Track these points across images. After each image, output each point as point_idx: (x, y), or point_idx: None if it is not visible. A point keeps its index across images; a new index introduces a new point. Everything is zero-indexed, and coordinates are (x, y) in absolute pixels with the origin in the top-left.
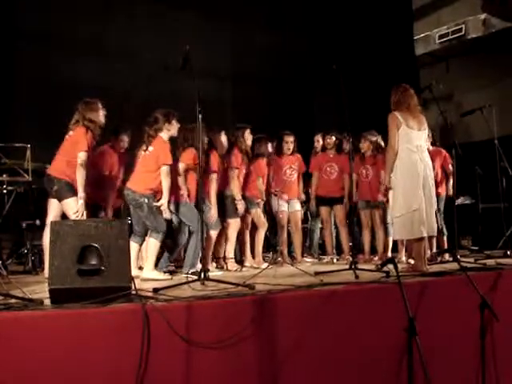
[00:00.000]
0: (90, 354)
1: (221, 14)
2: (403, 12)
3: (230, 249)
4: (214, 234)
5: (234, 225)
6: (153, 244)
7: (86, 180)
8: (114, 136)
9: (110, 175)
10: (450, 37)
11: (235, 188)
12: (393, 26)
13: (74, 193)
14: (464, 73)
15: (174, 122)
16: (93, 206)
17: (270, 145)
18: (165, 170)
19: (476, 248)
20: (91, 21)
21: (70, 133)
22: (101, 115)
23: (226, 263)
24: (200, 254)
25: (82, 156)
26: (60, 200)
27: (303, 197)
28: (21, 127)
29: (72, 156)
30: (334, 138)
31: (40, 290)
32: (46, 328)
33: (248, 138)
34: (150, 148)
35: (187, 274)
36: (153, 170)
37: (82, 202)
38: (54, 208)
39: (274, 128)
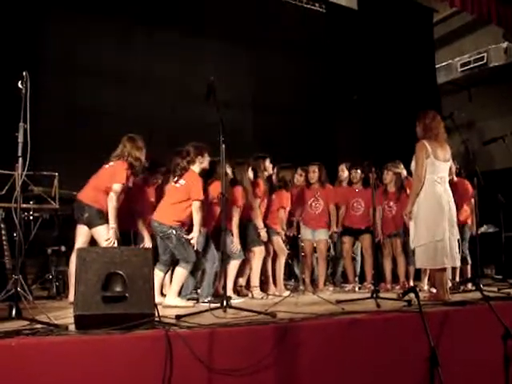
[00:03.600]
0: (113, 380)
1: (242, 43)
2: (425, 41)
3: (254, 277)
4: (235, 263)
5: (258, 253)
6: (180, 273)
7: (117, 211)
8: (149, 171)
9: (141, 208)
10: (472, 65)
11: (258, 217)
12: (414, 55)
13: (105, 220)
14: (486, 101)
15: (206, 155)
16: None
17: (294, 173)
18: (197, 204)
19: (499, 277)
20: (115, 50)
21: (110, 163)
22: (144, 153)
23: (252, 291)
24: (217, 283)
25: (116, 188)
26: (90, 227)
27: (335, 229)
28: (46, 154)
29: (107, 185)
30: (359, 172)
31: (64, 316)
32: (70, 353)
33: (268, 167)
34: (182, 181)
35: (208, 302)
36: (182, 202)
37: (112, 232)
38: (82, 234)
39: (296, 157)
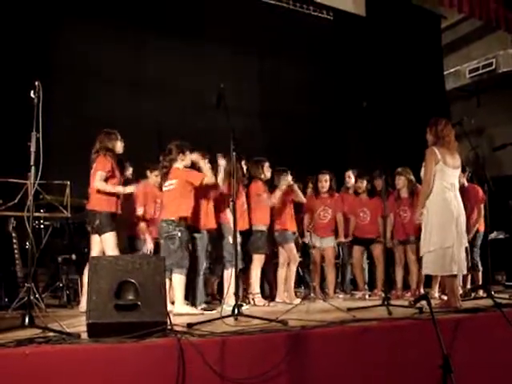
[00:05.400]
0: None
1: (250, 50)
2: (433, 47)
3: (254, 284)
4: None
5: (257, 261)
6: (178, 279)
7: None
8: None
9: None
10: (481, 71)
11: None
12: (423, 62)
13: (113, 227)
14: (495, 107)
15: (187, 153)
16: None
17: (290, 177)
18: (205, 180)
19: (510, 283)
20: (125, 58)
21: (94, 165)
22: (119, 145)
23: (253, 299)
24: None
25: (98, 174)
26: (100, 234)
27: (343, 239)
28: (56, 163)
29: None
30: (365, 182)
31: (76, 324)
32: (83, 361)
33: (267, 171)
34: (173, 181)
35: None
36: (182, 196)
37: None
38: (96, 243)
39: (305, 164)
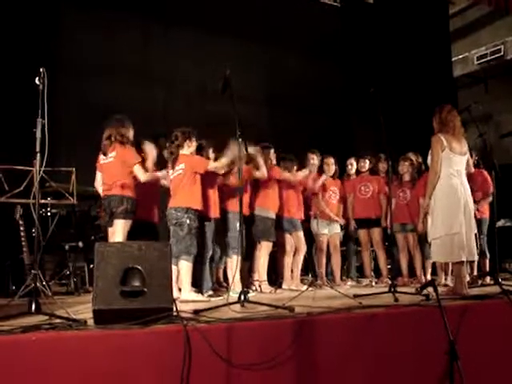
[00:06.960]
0: (132, 374)
1: (257, 38)
2: (441, 33)
3: (261, 271)
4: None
5: (265, 247)
6: (185, 266)
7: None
8: None
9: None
10: (489, 57)
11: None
12: (430, 48)
13: (130, 217)
14: (503, 93)
15: (193, 139)
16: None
17: (295, 166)
18: (213, 164)
19: None
20: (129, 47)
21: (113, 154)
22: (131, 133)
23: (260, 285)
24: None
25: (137, 168)
26: (118, 218)
27: (342, 221)
28: (61, 151)
29: (128, 173)
30: (367, 162)
31: (83, 311)
32: (89, 348)
33: (272, 157)
34: (179, 166)
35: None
36: (190, 182)
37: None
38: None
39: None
